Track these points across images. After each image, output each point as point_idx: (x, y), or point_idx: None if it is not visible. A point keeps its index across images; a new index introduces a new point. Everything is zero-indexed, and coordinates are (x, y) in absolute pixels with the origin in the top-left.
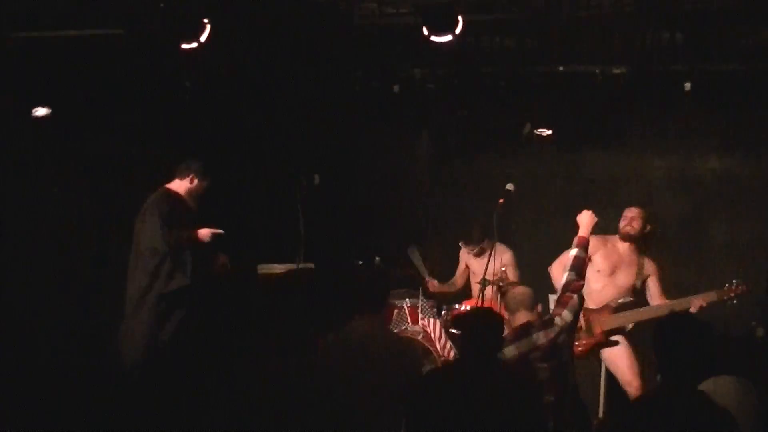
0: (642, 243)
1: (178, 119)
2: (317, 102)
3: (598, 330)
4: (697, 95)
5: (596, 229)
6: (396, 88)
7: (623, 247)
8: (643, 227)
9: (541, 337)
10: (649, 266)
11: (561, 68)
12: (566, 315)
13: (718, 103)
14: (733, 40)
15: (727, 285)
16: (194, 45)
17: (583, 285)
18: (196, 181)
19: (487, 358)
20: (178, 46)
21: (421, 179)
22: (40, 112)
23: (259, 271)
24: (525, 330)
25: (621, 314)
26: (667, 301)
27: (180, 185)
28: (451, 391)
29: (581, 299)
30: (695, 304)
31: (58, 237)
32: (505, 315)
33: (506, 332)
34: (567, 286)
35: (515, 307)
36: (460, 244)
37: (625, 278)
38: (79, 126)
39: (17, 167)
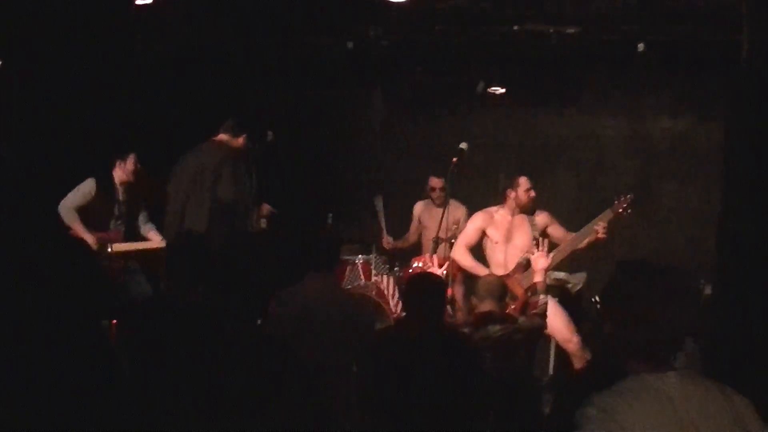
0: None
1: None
2: (272, 59)
3: (519, 291)
4: (649, 56)
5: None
6: (350, 44)
7: (510, 213)
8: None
9: (497, 330)
10: (540, 217)
11: (515, 27)
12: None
13: (670, 64)
14: (686, 1)
15: (616, 201)
16: (148, 1)
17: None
18: (241, 139)
19: (430, 322)
20: (132, 3)
21: (374, 137)
22: None
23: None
24: (484, 319)
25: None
26: (572, 234)
27: (233, 140)
28: (396, 354)
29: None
30: (600, 227)
31: None
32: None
33: (469, 316)
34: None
35: (484, 294)
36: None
37: (522, 238)
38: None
39: None
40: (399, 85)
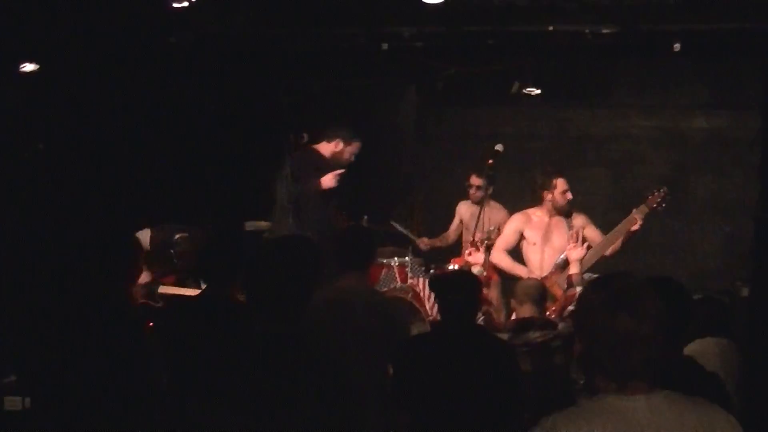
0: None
1: (167, 78)
2: (306, 60)
3: (557, 292)
4: (684, 54)
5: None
6: (384, 46)
7: (547, 214)
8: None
9: (536, 336)
10: (578, 219)
11: (550, 28)
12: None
13: (705, 62)
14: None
15: (650, 195)
16: (185, 4)
17: None
18: (341, 146)
19: (464, 322)
20: (167, 4)
21: (407, 133)
22: (28, 67)
23: (247, 228)
24: (523, 326)
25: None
26: (606, 235)
27: (326, 148)
28: (432, 356)
29: None
30: (635, 221)
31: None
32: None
33: (509, 319)
34: None
35: (523, 298)
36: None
37: (559, 239)
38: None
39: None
40: (433, 82)
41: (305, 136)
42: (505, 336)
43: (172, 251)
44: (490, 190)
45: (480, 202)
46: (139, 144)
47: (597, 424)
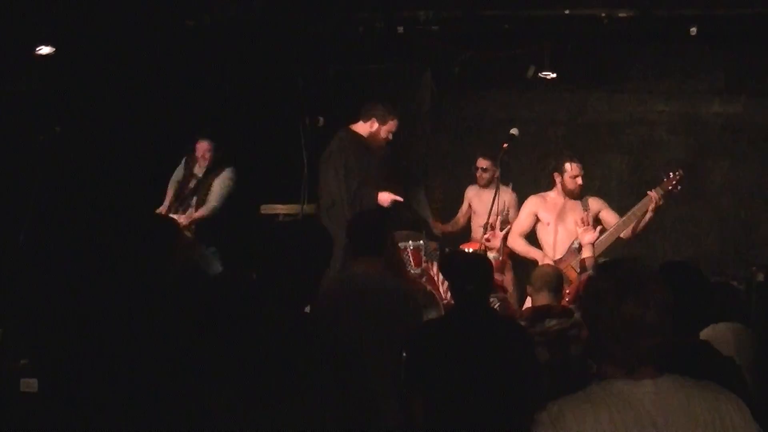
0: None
1: (184, 62)
2: (323, 44)
3: (572, 274)
4: (701, 39)
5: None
6: (400, 29)
7: (562, 196)
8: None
9: (553, 324)
10: (593, 202)
11: (567, 12)
12: None
13: (722, 47)
14: None
15: (665, 178)
16: None
17: None
18: (376, 125)
19: (477, 305)
20: None
21: (423, 117)
22: (45, 50)
23: (263, 212)
24: (541, 314)
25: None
26: (621, 218)
27: (363, 128)
28: (445, 341)
29: None
30: (651, 202)
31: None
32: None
33: (525, 308)
34: None
35: (540, 286)
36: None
37: (573, 221)
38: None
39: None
40: (449, 66)
41: (321, 119)
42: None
43: None
44: (497, 173)
45: (487, 185)
46: (155, 127)
47: (603, 408)
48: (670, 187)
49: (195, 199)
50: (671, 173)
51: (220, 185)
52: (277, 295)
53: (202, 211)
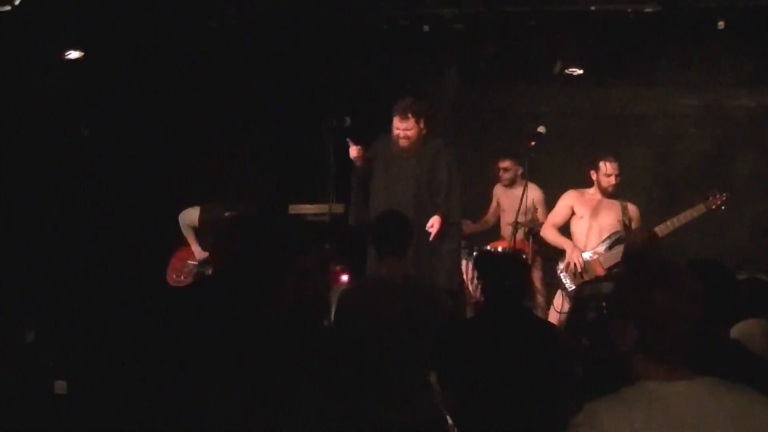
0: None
1: (208, 62)
2: (348, 43)
3: (599, 270)
4: (728, 31)
5: None
6: (426, 27)
7: (599, 193)
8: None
9: (609, 287)
10: (632, 209)
11: (592, 8)
12: None
13: (748, 39)
14: None
15: (710, 197)
16: None
17: None
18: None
19: (510, 305)
20: None
21: (448, 117)
22: (73, 54)
23: (290, 212)
24: (598, 277)
25: (616, 249)
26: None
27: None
28: (479, 340)
29: None
30: (686, 218)
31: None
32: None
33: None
34: None
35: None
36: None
37: (607, 218)
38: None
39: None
40: (474, 63)
41: (347, 119)
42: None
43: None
44: (521, 171)
45: (511, 184)
46: (183, 127)
47: (638, 410)
48: (714, 207)
49: None
50: (717, 194)
51: None
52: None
53: None
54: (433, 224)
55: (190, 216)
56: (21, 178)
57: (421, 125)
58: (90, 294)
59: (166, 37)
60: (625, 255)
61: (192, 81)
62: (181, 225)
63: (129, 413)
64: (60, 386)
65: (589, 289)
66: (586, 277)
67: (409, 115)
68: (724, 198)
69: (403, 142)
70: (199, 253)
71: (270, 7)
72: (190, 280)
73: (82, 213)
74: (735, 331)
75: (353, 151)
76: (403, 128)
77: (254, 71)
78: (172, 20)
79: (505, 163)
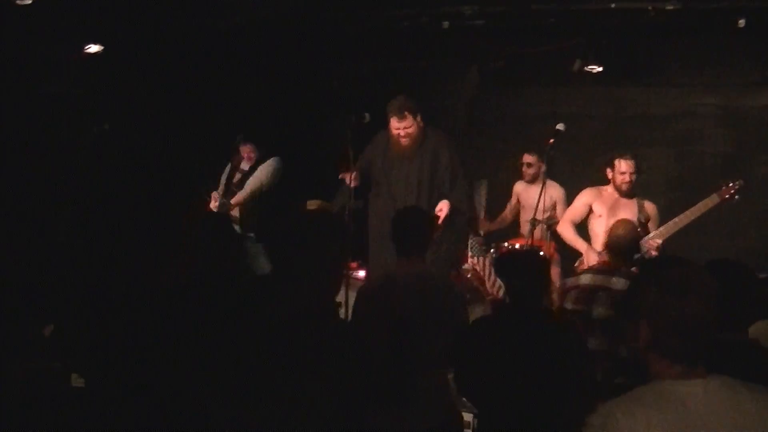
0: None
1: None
2: (366, 40)
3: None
4: (746, 30)
5: None
6: (445, 24)
7: (617, 191)
8: (637, 177)
9: (621, 284)
10: (649, 207)
11: (612, 5)
12: None
13: (766, 38)
14: None
15: (723, 186)
16: None
17: None
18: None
19: (531, 304)
20: None
21: (468, 115)
22: (93, 48)
23: (309, 207)
24: (609, 269)
25: None
26: (669, 223)
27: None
28: (496, 341)
29: None
30: (700, 210)
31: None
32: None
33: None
34: None
35: (617, 250)
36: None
37: (626, 216)
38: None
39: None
40: (494, 61)
41: (367, 116)
42: (587, 275)
43: None
44: (544, 168)
45: (533, 180)
46: (198, 126)
47: (654, 409)
48: (727, 196)
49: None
50: (731, 182)
51: (261, 171)
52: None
53: (239, 196)
54: (442, 208)
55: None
56: (38, 175)
57: (419, 120)
58: (106, 290)
59: (179, 35)
60: (607, 245)
61: (208, 79)
62: None
63: (144, 409)
64: (77, 379)
65: (598, 279)
66: None
67: (406, 113)
68: (737, 186)
69: (404, 141)
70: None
71: (289, 3)
72: None
73: (97, 209)
74: (754, 331)
75: (352, 180)
76: (403, 127)
77: (274, 69)
78: (190, 19)
79: (530, 158)
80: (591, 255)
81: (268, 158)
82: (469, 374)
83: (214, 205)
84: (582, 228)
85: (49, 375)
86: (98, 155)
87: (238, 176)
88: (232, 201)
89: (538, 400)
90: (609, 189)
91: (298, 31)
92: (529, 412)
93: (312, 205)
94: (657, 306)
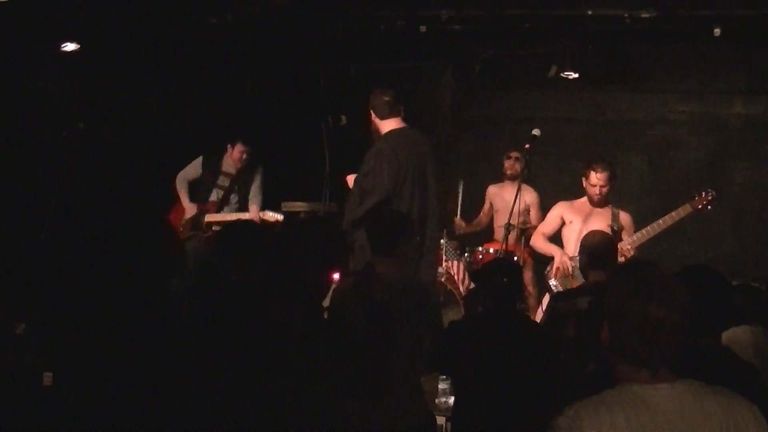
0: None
1: (206, 59)
2: (345, 43)
3: None
4: (723, 39)
5: None
6: (422, 28)
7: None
8: (611, 186)
9: (584, 301)
10: (624, 216)
11: (589, 12)
12: None
13: (744, 47)
14: None
15: (696, 196)
16: None
17: None
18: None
19: (506, 309)
20: None
21: (443, 115)
22: (69, 47)
23: (283, 209)
24: (572, 292)
25: None
26: (641, 231)
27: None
28: (473, 345)
29: None
30: (673, 219)
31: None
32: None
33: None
34: None
35: (593, 256)
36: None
37: (597, 224)
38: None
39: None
40: (470, 65)
41: (343, 118)
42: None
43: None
44: (526, 172)
45: (514, 178)
46: (177, 123)
47: (619, 412)
48: (700, 206)
49: (237, 197)
50: (703, 192)
51: (259, 182)
52: (288, 292)
53: (258, 209)
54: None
55: (187, 172)
56: (17, 174)
57: (373, 116)
58: (82, 289)
59: (165, 31)
60: (581, 251)
61: (188, 77)
62: (177, 182)
63: (118, 407)
64: (48, 378)
65: (565, 305)
66: (575, 283)
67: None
68: (710, 197)
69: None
70: (189, 208)
71: (267, 6)
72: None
73: (76, 208)
74: (726, 338)
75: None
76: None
77: (251, 69)
78: (171, 15)
79: (517, 153)
80: (564, 258)
81: (256, 161)
82: (450, 376)
83: (255, 216)
84: (556, 240)
85: (21, 372)
86: (75, 153)
87: (225, 180)
88: (261, 215)
89: (517, 402)
90: (582, 200)
91: (279, 32)
92: (508, 413)
93: (298, 207)
94: (619, 309)
